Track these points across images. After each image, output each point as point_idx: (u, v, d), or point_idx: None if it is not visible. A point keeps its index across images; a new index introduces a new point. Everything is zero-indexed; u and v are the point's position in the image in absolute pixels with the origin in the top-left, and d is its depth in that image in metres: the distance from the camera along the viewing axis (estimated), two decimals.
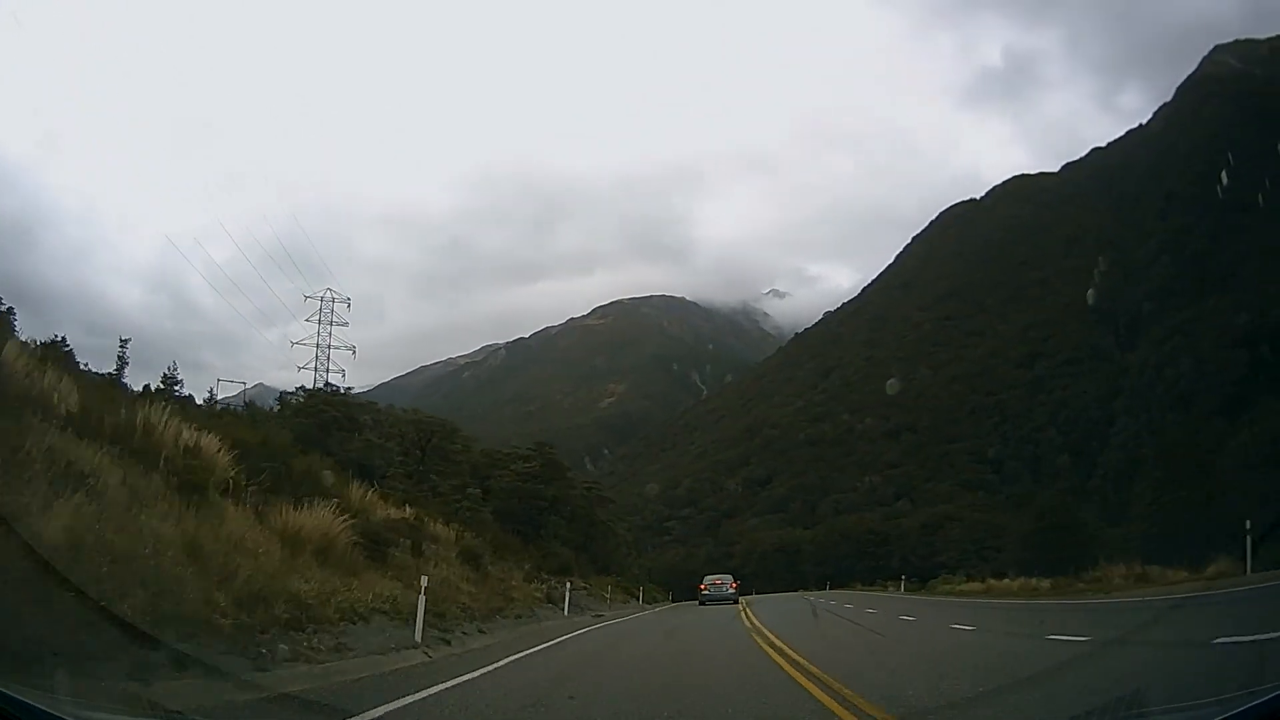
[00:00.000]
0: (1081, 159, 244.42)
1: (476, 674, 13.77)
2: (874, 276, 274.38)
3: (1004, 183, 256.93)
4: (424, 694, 11.27)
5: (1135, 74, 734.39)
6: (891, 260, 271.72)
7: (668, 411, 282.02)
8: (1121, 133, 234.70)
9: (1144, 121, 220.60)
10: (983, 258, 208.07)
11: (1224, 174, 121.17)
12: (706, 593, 55.26)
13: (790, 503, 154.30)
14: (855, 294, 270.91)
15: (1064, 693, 10.23)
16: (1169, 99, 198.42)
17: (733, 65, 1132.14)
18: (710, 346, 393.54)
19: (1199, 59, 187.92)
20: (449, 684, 12.32)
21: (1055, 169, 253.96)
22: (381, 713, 9.65)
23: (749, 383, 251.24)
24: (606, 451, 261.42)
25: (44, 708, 4.88)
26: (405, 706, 10.23)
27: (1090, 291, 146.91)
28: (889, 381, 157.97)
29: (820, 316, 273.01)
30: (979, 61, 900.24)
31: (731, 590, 55.42)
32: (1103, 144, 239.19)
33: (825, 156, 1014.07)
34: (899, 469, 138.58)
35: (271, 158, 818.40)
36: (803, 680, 12.27)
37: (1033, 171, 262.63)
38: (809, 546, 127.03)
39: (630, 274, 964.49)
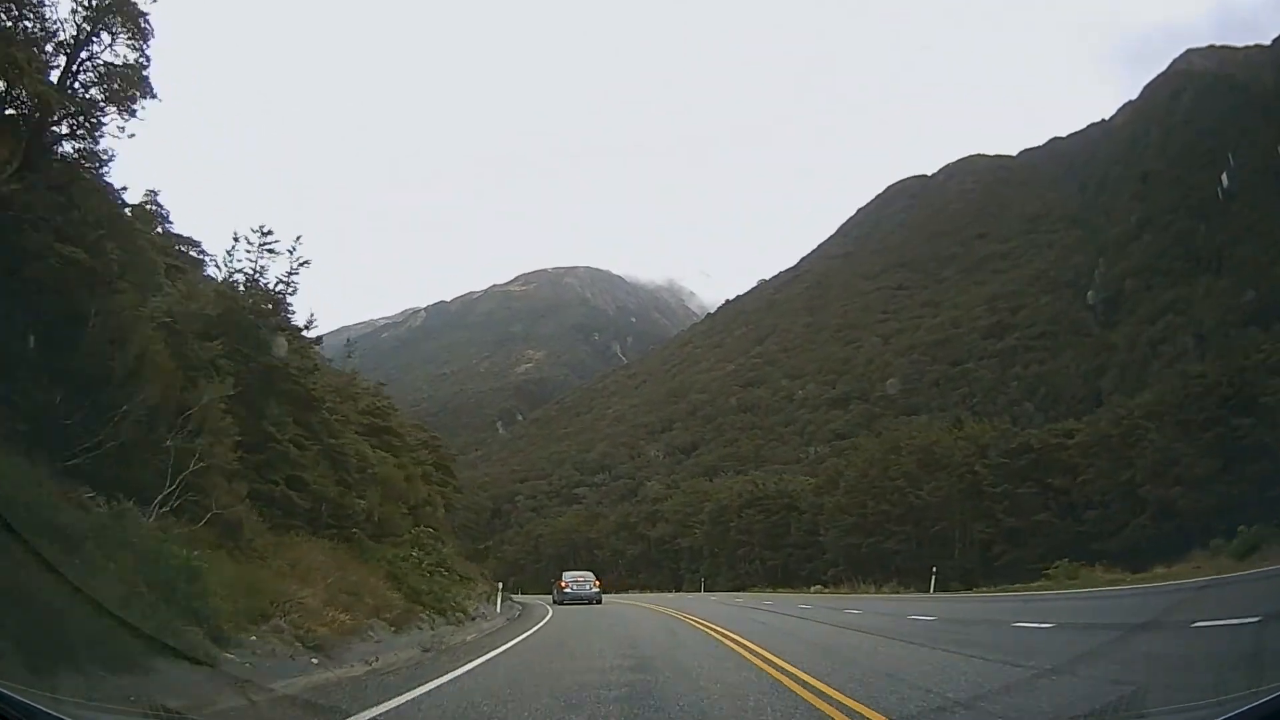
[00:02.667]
0: (1040, 146, 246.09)
1: None
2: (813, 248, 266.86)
3: (957, 161, 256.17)
4: None
5: (1097, 75, 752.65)
6: (833, 231, 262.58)
7: (586, 380, 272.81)
8: (1082, 125, 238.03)
9: (1106, 116, 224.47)
10: (933, 230, 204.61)
11: (1217, 166, 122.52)
12: (567, 590, 50.80)
13: (720, 472, 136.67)
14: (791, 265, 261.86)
15: None
16: (1134, 97, 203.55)
17: (673, 30, 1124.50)
18: (634, 320, 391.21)
19: (1168, 61, 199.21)
20: None
21: (1013, 153, 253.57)
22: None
23: (675, 349, 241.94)
24: (520, 417, 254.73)
25: (44, 708, 4.77)
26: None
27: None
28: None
29: (754, 285, 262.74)
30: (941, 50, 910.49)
31: (595, 589, 51.52)
32: (1063, 134, 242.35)
33: (767, 143, 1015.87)
34: (849, 440, 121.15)
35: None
36: None
37: (989, 152, 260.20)
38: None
39: (554, 244, 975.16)
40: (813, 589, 70.04)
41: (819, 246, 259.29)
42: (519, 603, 51.84)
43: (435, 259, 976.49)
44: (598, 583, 53.55)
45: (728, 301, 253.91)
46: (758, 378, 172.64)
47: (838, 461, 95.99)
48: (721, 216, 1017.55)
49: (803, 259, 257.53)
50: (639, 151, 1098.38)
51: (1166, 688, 8.86)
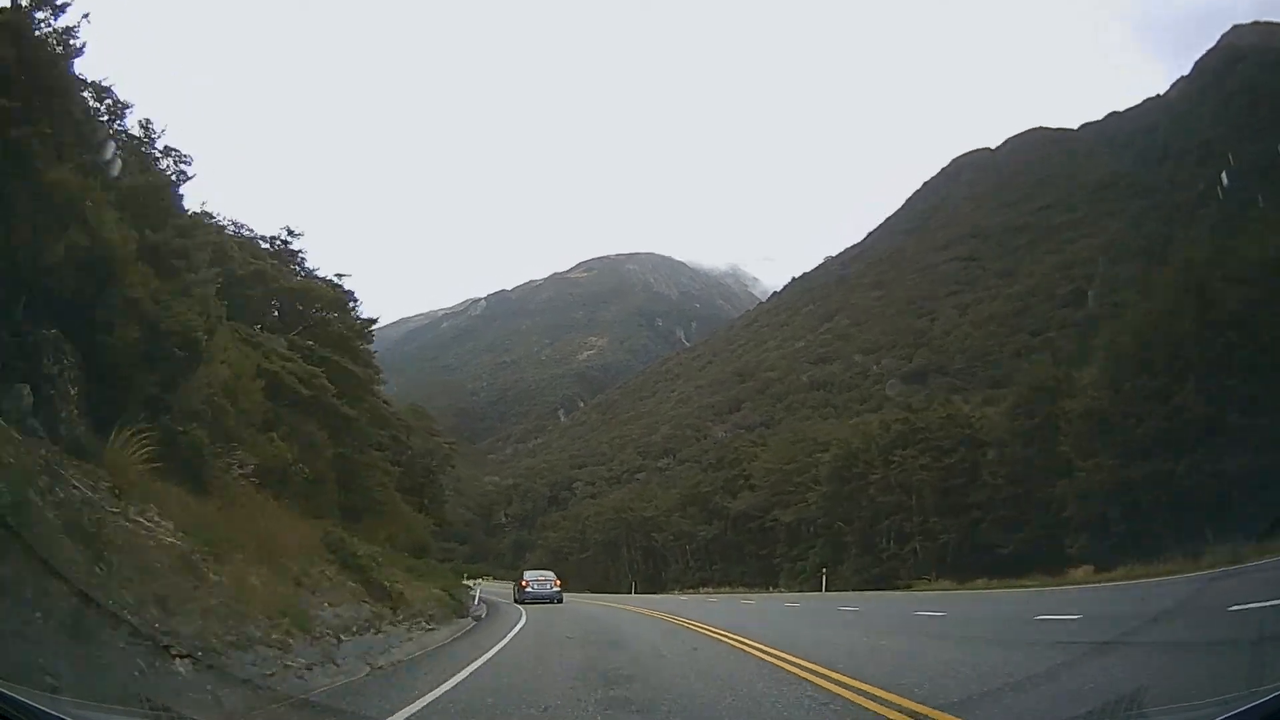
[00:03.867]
0: (1099, 120, 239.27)
1: None
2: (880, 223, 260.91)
3: (1019, 134, 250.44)
4: None
5: (1149, 52, 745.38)
6: (899, 207, 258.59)
7: (649, 366, 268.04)
8: (1139, 100, 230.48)
9: (1161, 92, 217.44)
10: (1000, 201, 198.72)
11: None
12: (529, 590, 51.40)
13: None
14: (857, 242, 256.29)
15: None
16: (1186, 73, 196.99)
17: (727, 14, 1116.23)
18: (697, 305, 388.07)
19: (1215, 37, 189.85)
20: None
21: (1074, 126, 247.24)
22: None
23: (740, 329, 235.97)
24: (581, 403, 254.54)
25: (44, 708, 4.67)
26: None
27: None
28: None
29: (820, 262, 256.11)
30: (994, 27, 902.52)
31: (555, 588, 52.56)
32: (1121, 109, 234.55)
33: (829, 126, 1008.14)
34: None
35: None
36: None
37: (1050, 126, 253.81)
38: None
39: (616, 231, 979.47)
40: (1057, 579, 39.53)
41: (885, 221, 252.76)
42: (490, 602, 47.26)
43: (497, 251, 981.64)
44: (558, 582, 54.34)
45: (794, 279, 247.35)
46: (829, 354, 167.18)
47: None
48: (784, 201, 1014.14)
49: (869, 234, 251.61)
50: (701, 137, 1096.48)
51: None
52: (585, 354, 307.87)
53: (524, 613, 34.13)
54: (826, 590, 61.05)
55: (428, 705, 10.19)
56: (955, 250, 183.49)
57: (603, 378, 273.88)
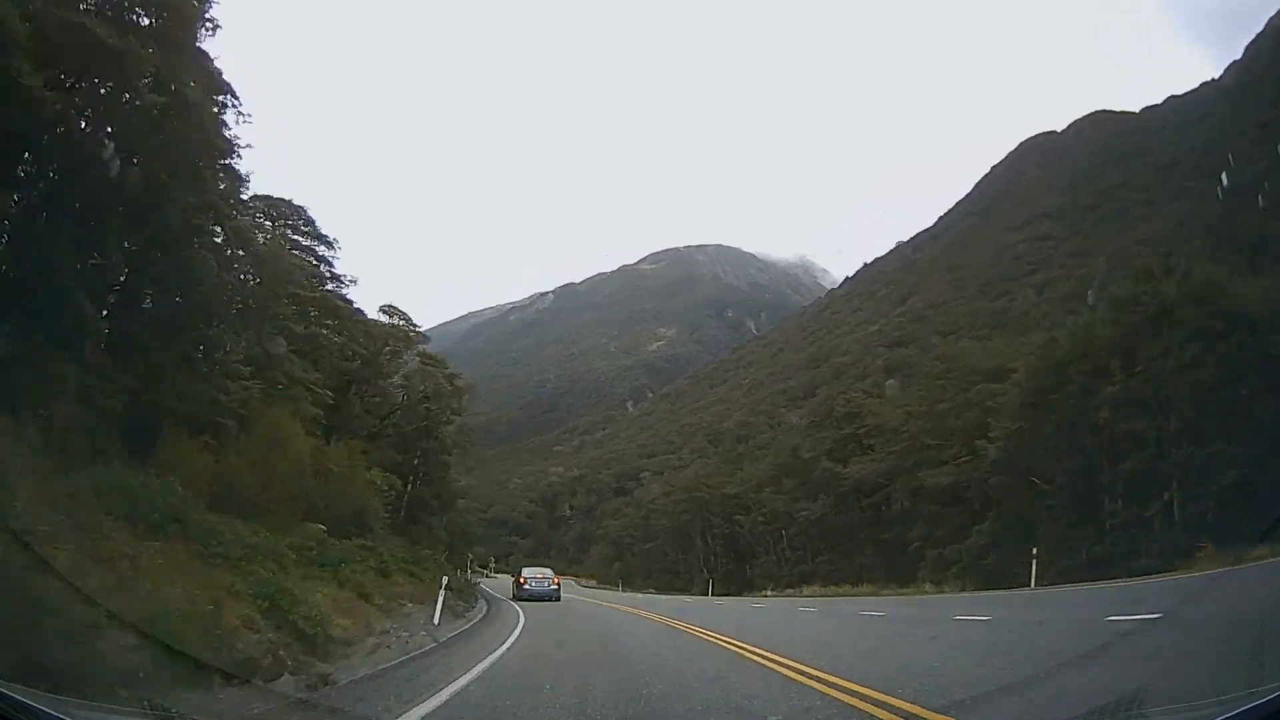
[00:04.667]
0: (1160, 104, 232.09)
1: None
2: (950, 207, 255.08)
3: (1084, 116, 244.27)
4: None
5: (1199, 39, 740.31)
6: (968, 190, 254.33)
7: (719, 356, 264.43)
8: (1195, 85, 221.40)
9: (1215, 76, 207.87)
10: (1069, 182, 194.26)
11: None
12: (527, 587, 51.63)
13: None
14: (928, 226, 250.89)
15: None
16: (1238, 57, 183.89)
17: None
18: (767, 296, 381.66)
19: (1263, 21, 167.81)
20: None
21: (1136, 110, 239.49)
22: None
23: (813, 314, 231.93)
24: (650, 394, 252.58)
25: (44, 707, 4.74)
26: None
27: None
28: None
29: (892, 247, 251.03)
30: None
31: (553, 586, 52.69)
32: (1179, 92, 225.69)
33: (896, 117, 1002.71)
34: None
35: None
36: None
37: (1114, 109, 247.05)
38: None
39: (683, 223, 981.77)
40: None
41: (955, 205, 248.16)
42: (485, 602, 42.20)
43: (565, 246, 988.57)
44: (555, 580, 54.49)
45: (866, 265, 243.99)
46: (905, 336, 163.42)
47: None
48: (852, 194, 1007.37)
49: (939, 219, 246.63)
50: (771, 129, 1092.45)
51: None
52: (654, 345, 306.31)
53: (520, 621, 28.05)
54: (1035, 584, 35.59)
55: None
56: (1028, 231, 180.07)
57: (671, 369, 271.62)
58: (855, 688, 10.36)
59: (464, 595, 36.91)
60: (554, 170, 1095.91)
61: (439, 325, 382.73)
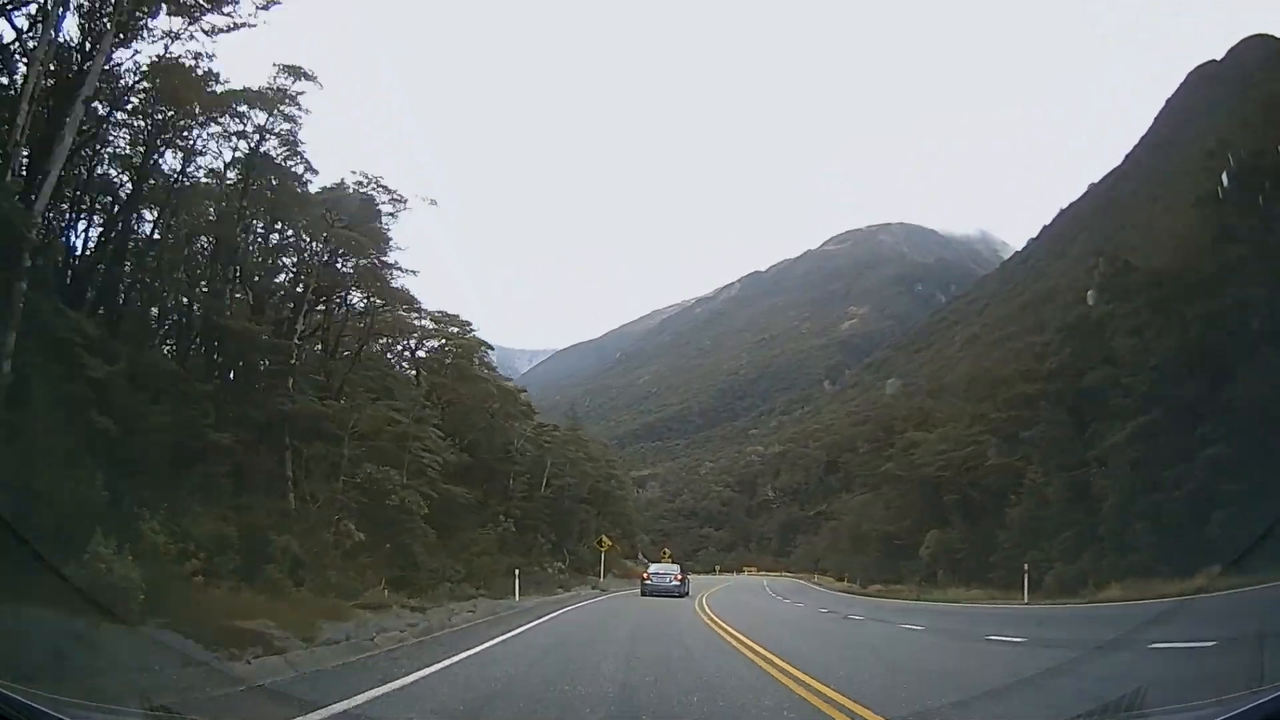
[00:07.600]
0: None
1: None
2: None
3: (1242, 41, 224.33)
4: None
5: None
6: (1145, 130, 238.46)
7: (914, 329, 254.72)
8: None
9: None
10: (1245, 118, 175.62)
11: None
12: (649, 583, 52.65)
13: None
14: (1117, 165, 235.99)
15: None
16: None
17: None
18: (953, 271, 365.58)
19: None
20: None
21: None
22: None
23: (1013, 267, 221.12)
24: (847, 370, 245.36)
25: (44, 708, 4.75)
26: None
27: None
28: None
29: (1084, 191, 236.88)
30: None
31: (676, 583, 52.47)
32: None
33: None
34: None
35: None
36: None
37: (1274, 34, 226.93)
38: None
39: (862, 205, 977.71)
40: None
41: (1140, 140, 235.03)
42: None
43: (745, 239, 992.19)
44: (679, 576, 54.70)
45: (1061, 211, 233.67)
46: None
47: None
48: (1025, 163, 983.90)
49: (1127, 155, 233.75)
50: (942, 106, 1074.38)
51: None
52: (847, 324, 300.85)
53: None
54: None
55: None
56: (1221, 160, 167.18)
57: (866, 345, 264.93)
58: None
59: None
60: (734, 165, 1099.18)
61: (620, 327, 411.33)
